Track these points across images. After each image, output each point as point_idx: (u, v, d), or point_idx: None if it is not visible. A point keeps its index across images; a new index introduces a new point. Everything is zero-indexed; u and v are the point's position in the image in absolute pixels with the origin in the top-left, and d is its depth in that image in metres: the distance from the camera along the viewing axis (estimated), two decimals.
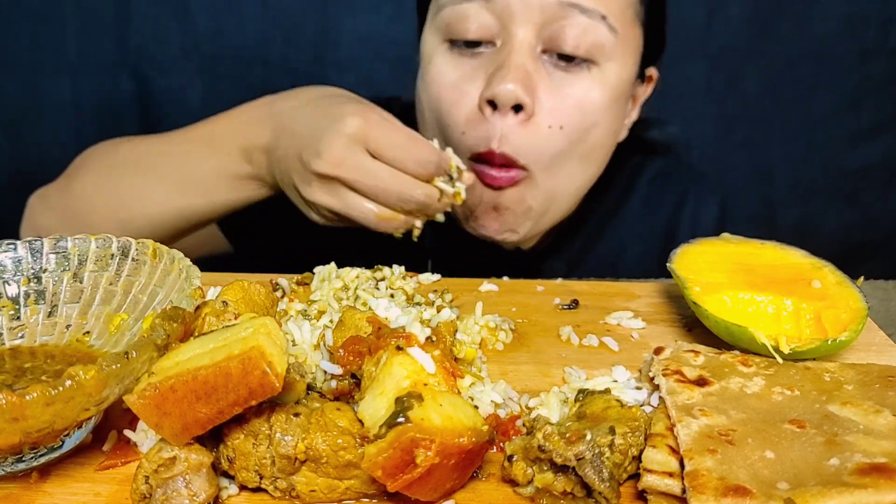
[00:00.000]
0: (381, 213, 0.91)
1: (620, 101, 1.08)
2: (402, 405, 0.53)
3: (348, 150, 0.88)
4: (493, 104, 1.00)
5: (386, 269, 0.83)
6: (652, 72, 1.16)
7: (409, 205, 0.91)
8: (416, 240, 0.96)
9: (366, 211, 0.91)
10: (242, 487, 0.57)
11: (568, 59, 1.00)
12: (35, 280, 0.72)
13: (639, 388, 0.68)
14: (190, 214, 1.08)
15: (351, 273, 0.81)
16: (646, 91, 1.18)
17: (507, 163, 1.02)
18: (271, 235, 1.26)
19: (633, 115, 1.18)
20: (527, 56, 0.99)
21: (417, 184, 0.91)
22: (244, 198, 1.06)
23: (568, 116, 1.01)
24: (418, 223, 0.95)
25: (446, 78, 1.05)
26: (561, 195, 1.10)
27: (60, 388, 0.50)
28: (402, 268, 0.85)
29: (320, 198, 0.91)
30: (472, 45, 1.03)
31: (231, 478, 0.57)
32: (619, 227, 1.28)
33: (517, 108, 0.99)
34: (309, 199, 0.92)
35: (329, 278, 0.82)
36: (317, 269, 0.85)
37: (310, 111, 0.95)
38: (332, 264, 0.85)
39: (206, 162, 1.05)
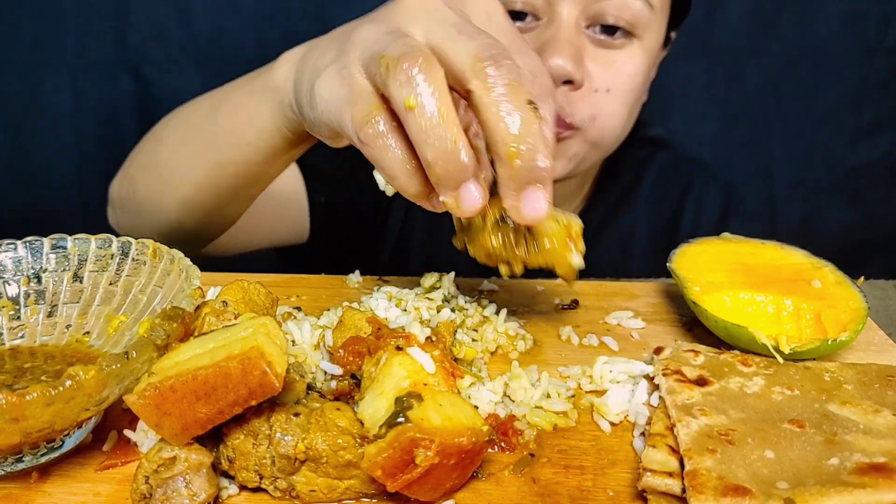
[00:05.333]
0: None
1: (654, 64, 1.16)
2: (402, 405, 0.53)
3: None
4: None
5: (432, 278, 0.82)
6: (672, 34, 1.22)
7: (434, 159, 0.56)
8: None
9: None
10: (242, 487, 0.57)
11: (610, 31, 1.06)
12: (35, 280, 0.72)
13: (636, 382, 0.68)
14: (217, 161, 0.91)
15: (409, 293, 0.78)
16: (664, 52, 1.24)
17: (556, 121, 1.05)
18: (351, 231, 1.28)
19: (652, 74, 1.23)
20: (573, 30, 1.04)
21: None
22: (269, 131, 0.83)
23: (614, 82, 1.07)
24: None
25: None
26: (602, 146, 1.15)
27: (60, 389, 0.50)
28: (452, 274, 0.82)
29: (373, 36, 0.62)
30: (517, 16, 1.07)
31: (231, 478, 0.57)
32: (628, 215, 1.34)
33: (566, 81, 1.04)
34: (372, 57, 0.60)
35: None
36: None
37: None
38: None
39: (237, 102, 0.91)
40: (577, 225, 0.63)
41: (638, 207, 1.35)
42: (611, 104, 1.08)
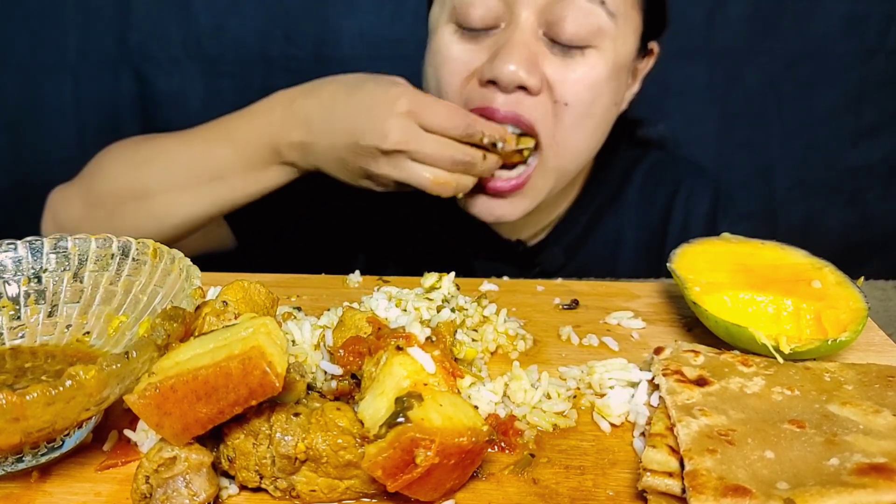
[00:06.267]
0: (436, 178, 1.01)
1: (621, 74, 1.11)
2: (402, 405, 0.53)
3: (408, 127, 0.98)
4: (494, 83, 1.03)
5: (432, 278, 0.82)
6: (653, 46, 1.19)
7: (459, 166, 1.01)
8: (459, 196, 1.07)
9: (423, 178, 1.01)
10: (242, 487, 0.57)
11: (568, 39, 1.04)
12: (35, 280, 0.72)
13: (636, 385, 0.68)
14: (217, 204, 1.13)
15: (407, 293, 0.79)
16: (647, 65, 1.21)
17: (513, 121, 1.04)
18: (277, 233, 1.29)
19: (635, 88, 1.21)
20: (529, 36, 1.02)
21: (463, 147, 1.00)
22: (273, 184, 1.12)
23: (572, 93, 1.04)
24: (468, 181, 1.05)
25: (449, 51, 1.08)
26: (566, 170, 1.14)
27: (61, 388, 0.50)
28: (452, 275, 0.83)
29: (387, 171, 1.01)
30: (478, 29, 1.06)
31: (231, 477, 0.57)
32: (616, 216, 1.33)
33: (521, 87, 1.02)
34: (376, 173, 1.02)
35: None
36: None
37: (346, 104, 1.02)
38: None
39: (228, 157, 1.10)
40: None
41: (626, 209, 1.33)
42: (569, 117, 1.05)
